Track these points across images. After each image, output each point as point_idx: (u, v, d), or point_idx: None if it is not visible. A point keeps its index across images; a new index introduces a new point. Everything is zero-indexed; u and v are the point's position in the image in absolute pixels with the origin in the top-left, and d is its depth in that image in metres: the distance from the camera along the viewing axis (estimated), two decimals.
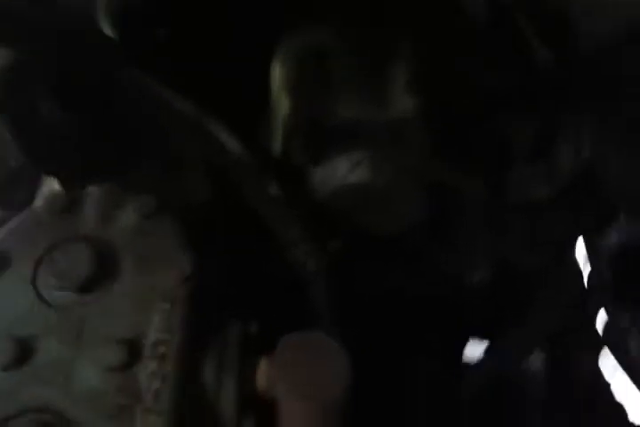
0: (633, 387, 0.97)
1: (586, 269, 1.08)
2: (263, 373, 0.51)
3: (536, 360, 1.24)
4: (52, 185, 0.69)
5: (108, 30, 0.75)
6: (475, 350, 0.91)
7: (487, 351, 0.85)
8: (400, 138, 0.68)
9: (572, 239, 0.86)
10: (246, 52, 0.80)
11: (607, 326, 0.99)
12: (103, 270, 0.51)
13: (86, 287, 0.50)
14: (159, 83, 0.68)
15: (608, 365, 1.08)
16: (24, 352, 0.45)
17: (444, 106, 0.71)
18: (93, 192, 0.57)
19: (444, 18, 0.82)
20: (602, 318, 1.41)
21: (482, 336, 0.87)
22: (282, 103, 0.73)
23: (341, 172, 0.69)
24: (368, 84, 0.70)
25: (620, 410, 0.95)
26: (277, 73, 0.76)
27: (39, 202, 0.62)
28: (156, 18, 0.78)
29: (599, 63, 0.74)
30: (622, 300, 1.38)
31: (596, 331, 0.99)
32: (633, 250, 1.20)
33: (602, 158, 0.72)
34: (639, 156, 0.72)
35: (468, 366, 0.86)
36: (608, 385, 0.99)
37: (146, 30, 0.77)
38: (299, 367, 0.50)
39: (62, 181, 0.60)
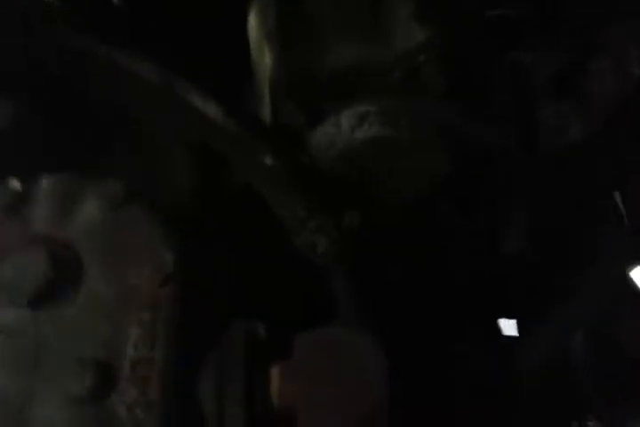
0: None
1: None
2: (276, 386, 0.40)
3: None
4: None
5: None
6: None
7: (533, 331, 0.74)
8: (412, 80, 0.56)
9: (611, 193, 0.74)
10: (218, 3, 0.69)
11: None
12: (62, 278, 0.41)
13: (42, 302, 0.39)
14: (119, 50, 0.57)
15: None
16: None
17: (458, 38, 0.59)
18: (46, 185, 0.46)
19: None
20: None
21: (525, 315, 0.76)
22: (264, 57, 0.62)
23: (345, 129, 0.58)
24: (362, 21, 0.58)
25: None
26: (254, 22, 0.64)
27: None
28: None
29: None
30: None
31: None
32: None
33: None
34: None
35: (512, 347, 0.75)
36: None
37: None
38: (320, 375, 0.39)
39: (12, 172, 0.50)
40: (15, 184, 0.48)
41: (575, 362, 1.02)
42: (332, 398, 0.38)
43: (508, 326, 0.80)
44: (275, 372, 0.41)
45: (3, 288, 0.39)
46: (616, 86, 0.62)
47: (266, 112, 0.61)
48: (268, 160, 0.55)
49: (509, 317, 0.78)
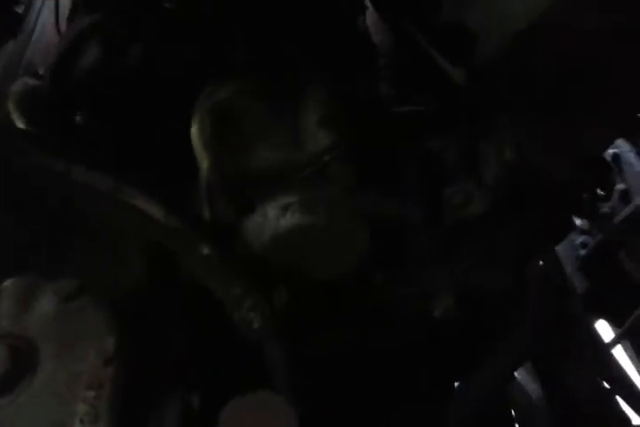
0: None
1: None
2: None
3: (530, 380, 1.20)
4: None
5: (20, 123, 0.76)
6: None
7: (466, 383, 0.80)
8: (323, 174, 0.67)
9: (529, 253, 0.83)
10: (167, 120, 0.80)
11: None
12: (21, 368, 0.48)
13: (1, 390, 0.46)
14: (71, 163, 0.67)
15: None
16: None
17: (362, 136, 0.70)
18: (6, 287, 0.54)
19: (351, 54, 0.83)
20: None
21: (459, 370, 0.83)
22: (203, 162, 0.72)
23: (272, 219, 0.67)
24: (281, 129, 0.70)
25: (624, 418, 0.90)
26: (195, 134, 0.75)
27: None
28: (67, 106, 0.79)
29: (500, 71, 0.74)
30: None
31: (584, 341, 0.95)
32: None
33: (527, 158, 0.71)
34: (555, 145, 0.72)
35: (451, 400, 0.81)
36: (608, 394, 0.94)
37: (59, 117, 0.78)
38: None
39: None
40: None
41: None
42: None
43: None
44: None
45: None
46: (499, 168, 0.73)
47: (204, 208, 0.71)
48: (205, 250, 0.64)
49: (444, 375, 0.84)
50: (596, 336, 0.97)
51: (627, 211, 1.36)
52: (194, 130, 0.77)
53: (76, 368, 0.48)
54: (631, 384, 0.91)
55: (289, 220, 0.67)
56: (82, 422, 0.45)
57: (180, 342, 0.61)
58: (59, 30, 0.94)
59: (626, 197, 1.39)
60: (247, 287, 0.64)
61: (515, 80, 0.76)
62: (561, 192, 0.73)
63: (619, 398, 1.07)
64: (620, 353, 1.46)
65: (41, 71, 0.98)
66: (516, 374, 1.46)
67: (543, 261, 0.91)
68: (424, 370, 0.80)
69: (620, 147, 1.44)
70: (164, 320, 0.61)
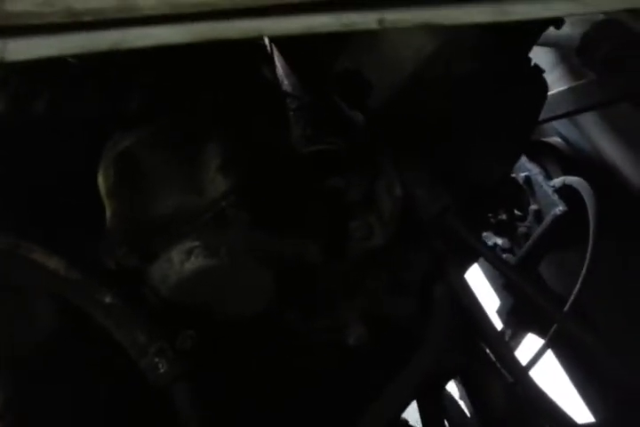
0: None
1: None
2: None
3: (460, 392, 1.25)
4: None
5: None
6: None
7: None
8: (222, 218, 0.69)
9: (432, 277, 0.87)
10: (74, 171, 0.81)
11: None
12: None
13: None
14: None
15: None
16: None
17: (265, 176, 0.73)
18: None
19: (255, 98, 0.87)
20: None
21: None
22: (107, 211, 0.73)
23: (176, 263, 0.69)
24: (182, 175, 0.72)
25: None
26: (100, 183, 0.77)
27: None
28: None
29: (395, 112, 0.80)
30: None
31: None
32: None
33: (410, 193, 0.75)
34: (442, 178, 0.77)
35: None
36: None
37: None
38: None
39: None
40: None
41: None
42: None
43: None
44: None
45: None
46: (390, 204, 0.77)
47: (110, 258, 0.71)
48: (106, 299, 0.65)
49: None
50: (509, 352, 1.02)
51: (539, 230, 1.43)
52: (100, 180, 0.78)
53: None
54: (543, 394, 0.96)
55: (193, 263, 0.69)
56: None
57: (88, 393, 0.61)
58: None
59: (539, 216, 1.47)
60: (151, 334, 0.65)
61: (402, 121, 0.81)
62: (443, 225, 0.77)
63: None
64: (548, 363, 1.53)
65: None
66: (449, 390, 1.50)
67: (451, 284, 0.95)
68: (336, 397, 0.82)
69: (531, 170, 1.53)
70: (72, 372, 0.62)
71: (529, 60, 1.01)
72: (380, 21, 0.40)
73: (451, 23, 0.41)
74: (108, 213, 0.72)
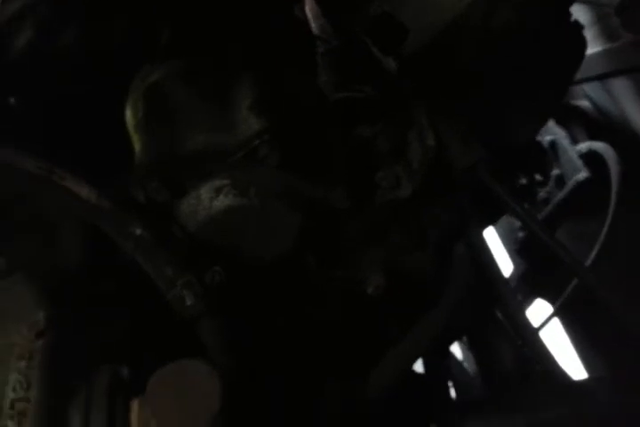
0: None
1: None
2: (135, 415, 0.52)
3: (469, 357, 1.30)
4: None
5: None
6: None
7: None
8: (254, 158, 0.71)
9: (454, 234, 0.90)
10: (102, 103, 0.83)
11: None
12: None
13: None
14: (4, 148, 0.69)
15: None
16: None
17: (294, 120, 0.75)
18: None
19: (286, 39, 0.88)
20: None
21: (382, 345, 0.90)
22: (136, 144, 0.76)
23: (205, 201, 0.72)
24: (212, 113, 0.74)
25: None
26: (128, 116, 0.79)
27: None
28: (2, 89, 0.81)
29: (428, 61, 0.81)
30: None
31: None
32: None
33: (443, 144, 0.77)
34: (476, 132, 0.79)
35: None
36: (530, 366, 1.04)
37: None
38: (168, 401, 0.51)
39: None
40: None
41: None
42: (177, 418, 0.50)
43: None
44: (135, 405, 0.53)
45: None
46: (421, 154, 0.79)
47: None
48: (137, 231, 0.68)
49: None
50: (521, 316, 1.06)
51: (560, 196, 1.46)
52: (128, 113, 0.80)
53: (9, 341, 0.52)
54: (553, 360, 1.01)
55: (222, 201, 0.71)
56: (14, 389, 0.49)
57: (112, 319, 0.65)
58: None
59: (560, 181, 1.49)
60: (180, 267, 0.68)
61: (437, 70, 0.83)
62: (475, 179, 0.80)
63: None
64: (556, 329, 1.58)
65: None
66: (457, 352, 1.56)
67: (471, 243, 0.99)
68: (352, 344, 0.86)
69: (557, 134, 1.54)
70: (97, 297, 0.65)
71: (569, 15, 1.01)
72: None
73: None
74: (138, 147, 0.74)
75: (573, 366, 1.50)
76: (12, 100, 0.87)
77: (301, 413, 0.80)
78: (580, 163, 1.47)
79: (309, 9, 1.07)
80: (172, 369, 0.53)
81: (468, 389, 1.32)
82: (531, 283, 1.56)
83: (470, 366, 1.41)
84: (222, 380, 0.52)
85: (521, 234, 1.56)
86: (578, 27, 1.02)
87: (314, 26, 1.06)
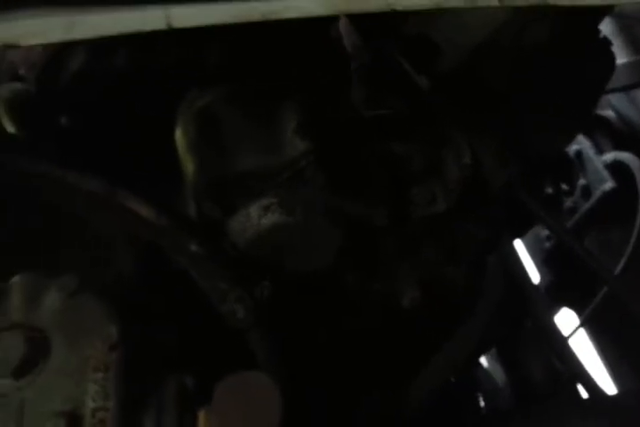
0: None
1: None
2: (202, 423, 0.56)
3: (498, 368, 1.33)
4: None
5: (10, 128, 0.83)
6: None
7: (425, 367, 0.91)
8: (299, 178, 0.76)
9: (488, 247, 0.94)
10: (151, 124, 0.88)
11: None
12: (36, 354, 0.56)
13: (21, 372, 0.55)
14: (70, 171, 0.74)
15: None
16: None
17: (333, 139, 0.79)
18: (15, 282, 0.62)
19: (326, 64, 0.92)
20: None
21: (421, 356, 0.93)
22: (188, 165, 0.80)
23: (253, 219, 0.76)
24: (260, 135, 0.79)
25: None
26: (179, 138, 0.84)
27: None
28: (56, 109, 0.86)
29: (461, 79, 0.85)
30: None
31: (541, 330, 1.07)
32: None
33: (479, 161, 0.81)
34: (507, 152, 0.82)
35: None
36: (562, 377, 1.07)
37: (47, 121, 0.85)
38: (233, 411, 0.55)
39: None
40: None
41: None
42: None
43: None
44: (201, 414, 0.57)
45: None
46: (457, 171, 0.83)
47: (191, 209, 0.79)
48: (193, 247, 0.72)
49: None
50: (552, 325, 1.09)
51: (586, 206, 1.49)
52: (178, 134, 0.85)
53: (85, 354, 0.56)
54: (584, 370, 1.04)
55: (269, 219, 0.76)
56: (93, 399, 0.53)
57: (172, 331, 0.69)
58: None
59: (586, 192, 1.52)
60: (232, 282, 0.73)
61: (468, 87, 0.86)
62: (511, 194, 0.83)
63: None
64: (582, 339, 1.61)
65: (21, 72, 1.04)
66: (483, 362, 1.58)
67: (503, 255, 1.02)
68: (390, 355, 0.90)
69: (582, 143, 1.57)
70: (155, 311, 0.70)
71: (598, 31, 1.04)
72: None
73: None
74: (190, 167, 0.79)
75: (600, 377, 1.53)
76: (63, 121, 0.92)
77: (341, 425, 0.84)
78: (605, 173, 1.50)
79: (343, 27, 1.11)
80: (236, 380, 0.57)
81: (496, 399, 1.35)
82: (557, 293, 1.59)
83: (497, 376, 1.44)
84: (282, 391, 0.56)
85: (547, 244, 1.59)
86: (607, 43, 1.05)
87: (346, 44, 1.11)
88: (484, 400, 1.35)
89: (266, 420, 0.54)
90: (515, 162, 0.84)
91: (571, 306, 1.61)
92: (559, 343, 1.10)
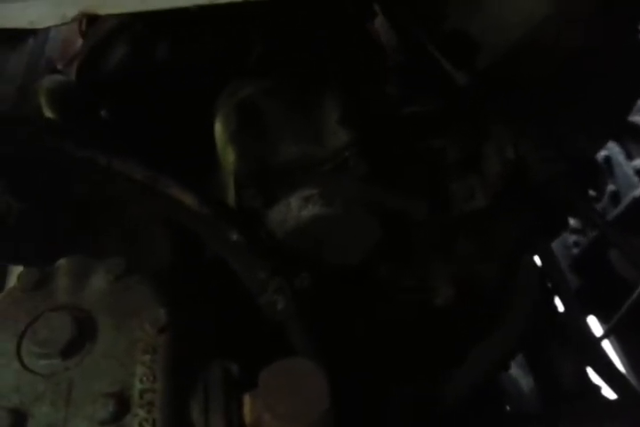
0: None
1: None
2: (248, 407, 0.55)
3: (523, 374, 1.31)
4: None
5: (50, 115, 0.84)
6: None
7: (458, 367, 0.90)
8: (342, 169, 0.76)
9: (522, 246, 0.93)
10: (189, 115, 0.88)
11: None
12: (83, 334, 0.56)
13: (69, 352, 0.55)
14: (115, 157, 0.75)
15: None
16: (18, 420, 0.50)
17: (376, 134, 0.79)
18: (63, 265, 0.62)
19: (366, 59, 0.93)
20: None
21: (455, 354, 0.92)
22: (228, 155, 0.81)
23: (294, 210, 0.76)
24: (303, 126, 0.79)
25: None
26: (219, 128, 0.84)
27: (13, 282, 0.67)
28: (95, 102, 0.87)
29: (500, 75, 0.84)
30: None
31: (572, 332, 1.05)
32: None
33: (522, 157, 0.80)
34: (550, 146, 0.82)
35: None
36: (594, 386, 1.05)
37: (87, 111, 0.86)
38: (280, 396, 0.54)
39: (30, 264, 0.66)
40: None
41: None
42: (290, 413, 0.53)
43: None
44: (247, 398, 0.57)
45: (38, 343, 0.55)
46: (499, 166, 0.82)
47: (231, 198, 0.79)
48: (234, 236, 0.72)
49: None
50: (585, 330, 1.08)
51: (615, 212, 1.47)
52: (218, 125, 0.86)
53: (133, 336, 0.56)
54: (619, 373, 1.02)
55: (310, 210, 0.76)
56: (141, 381, 0.53)
57: (211, 319, 0.69)
58: (80, 28, 1.01)
59: (615, 198, 1.51)
60: (271, 272, 0.73)
61: (510, 85, 0.86)
62: (555, 191, 0.82)
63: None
64: (608, 348, 1.58)
65: (59, 67, 1.06)
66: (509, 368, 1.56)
67: (539, 255, 1.01)
68: (425, 347, 0.89)
69: (611, 149, 1.55)
70: (196, 298, 0.70)
71: (637, 32, 1.04)
72: None
73: None
74: (232, 157, 0.79)
75: None
76: (104, 112, 0.93)
77: (372, 416, 0.83)
78: (635, 179, 1.49)
79: (381, 24, 1.11)
80: (281, 366, 0.56)
81: (521, 404, 1.33)
82: (584, 299, 1.57)
83: (522, 380, 1.42)
84: (328, 378, 0.56)
85: (575, 250, 1.57)
86: None
87: (383, 39, 1.11)
88: (509, 405, 1.33)
89: (314, 405, 0.53)
90: (561, 159, 0.82)
91: (597, 314, 1.59)
92: (590, 346, 1.08)
